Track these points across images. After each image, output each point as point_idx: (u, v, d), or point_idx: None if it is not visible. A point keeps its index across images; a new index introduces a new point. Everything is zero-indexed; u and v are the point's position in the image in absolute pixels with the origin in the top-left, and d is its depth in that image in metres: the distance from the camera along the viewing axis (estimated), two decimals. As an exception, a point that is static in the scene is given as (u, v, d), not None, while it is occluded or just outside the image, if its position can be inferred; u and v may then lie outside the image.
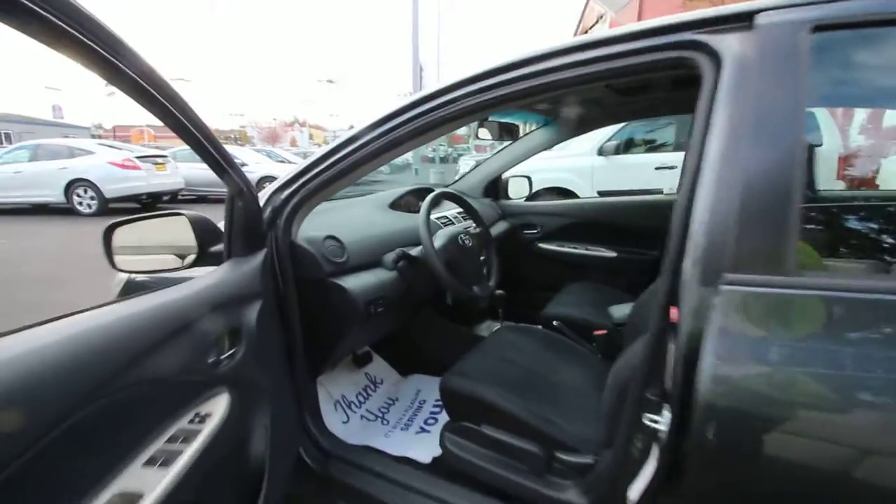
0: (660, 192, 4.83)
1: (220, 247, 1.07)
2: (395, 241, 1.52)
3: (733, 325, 0.69)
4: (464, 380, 1.25)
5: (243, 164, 9.88)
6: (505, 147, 2.35)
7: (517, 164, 2.32)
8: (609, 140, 5.33)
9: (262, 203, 1.17)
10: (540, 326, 1.87)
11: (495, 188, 2.43)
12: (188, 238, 1.05)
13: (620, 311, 1.55)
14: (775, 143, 0.71)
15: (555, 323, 1.68)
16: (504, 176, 2.46)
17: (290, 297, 1.18)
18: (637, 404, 0.88)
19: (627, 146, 5.46)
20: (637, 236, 2.17)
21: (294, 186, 1.19)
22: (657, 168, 5.25)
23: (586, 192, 5.36)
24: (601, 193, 5.27)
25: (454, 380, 1.26)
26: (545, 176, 5.36)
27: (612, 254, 2.21)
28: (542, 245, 2.36)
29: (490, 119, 1.68)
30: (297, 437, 1.23)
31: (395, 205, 1.80)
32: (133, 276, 1.29)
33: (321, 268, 1.24)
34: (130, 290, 1.30)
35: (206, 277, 0.96)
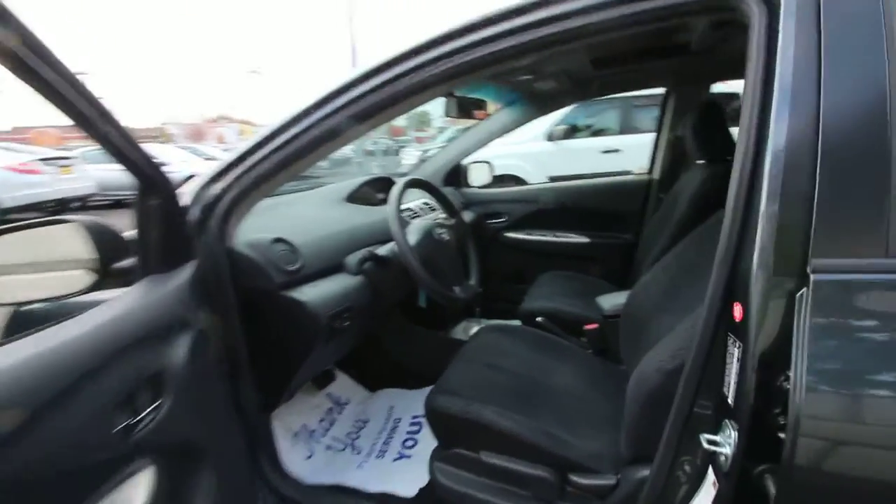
0: (626, 173, 4.87)
1: (130, 262, 0.80)
2: (357, 239, 1.29)
3: (833, 321, 0.55)
4: (453, 398, 1.06)
5: (163, 164, 8.96)
6: (464, 131, 2.17)
7: (479, 148, 2.15)
8: (557, 125, 5.31)
9: (186, 201, 0.90)
10: (519, 322, 1.73)
11: (456, 176, 2.24)
12: (84, 252, 0.78)
13: (611, 301, 1.42)
14: (866, 89, 0.57)
15: (539, 319, 1.52)
16: (464, 162, 2.28)
17: (232, 319, 0.93)
18: (682, 420, 0.73)
19: (574, 131, 5.48)
20: (609, 220, 2.08)
21: (227, 179, 0.93)
22: (604, 152, 5.31)
23: (537, 180, 5.31)
24: (552, 179, 5.25)
25: (442, 399, 1.07)
26: (494, 163, 5.24)
27: (585, 239, 2.10)
28: (510, 234, 2.21)
29: (456, 94, 1.49)
30: (250, 494, 0.98)
31: (353, 197, 1.56)
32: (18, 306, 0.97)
33: (270, 279, 1.00)
34: (20, 325, 0.99)
35: (110, 306, 0.70)
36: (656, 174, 1.96)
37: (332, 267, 1.18)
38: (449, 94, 1.46)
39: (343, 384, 1.63)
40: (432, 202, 1.78)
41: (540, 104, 1.92)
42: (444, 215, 1.55)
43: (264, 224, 1.12)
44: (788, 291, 0.58)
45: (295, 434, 1.38)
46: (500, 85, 1.74)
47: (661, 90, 5.25)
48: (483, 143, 2.11)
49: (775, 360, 0.59)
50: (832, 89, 0.58)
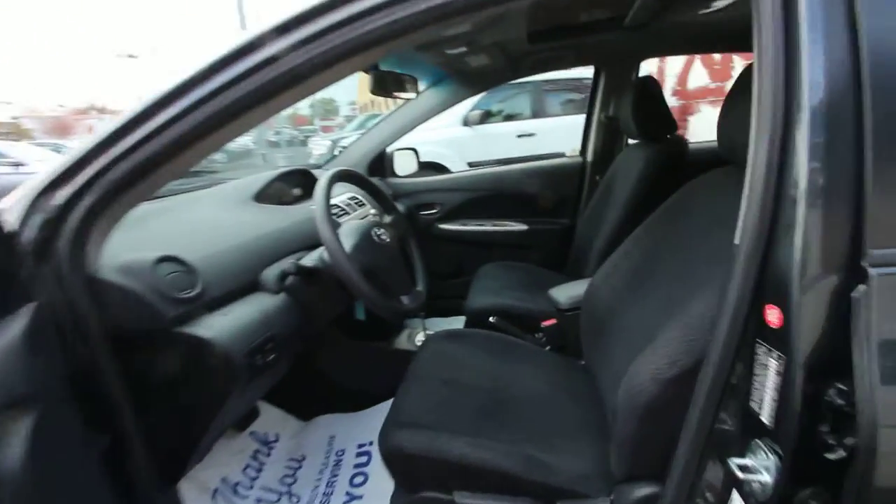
0: (558, 156, 4.90)
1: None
2: (274, 248, 1.05)
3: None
4: (414, 433, 0.88)
5: (18, 164, 7.50)
6: (387, 115, 1.95)
7: (404, 134, 1.95)
8: (473, 109, 5.23)
9: (10, 220, 0.61)
10: (464, 319, 1.59)
11: (380, 165, 2.03)
12: None
13: (566, 294, 1.32)
14: None
15: (492, 319, 1.39)
16: (388, 150, 2.06)
17: (105, 378, 0.66)
18: (702, 439, 0.63)
19: (488, 116, 5.45)
20: (546, 205, 2.00)
21: (78, 182, 0.65)
22: (519, 136, 5.35)
23: (456, 165, 5.21)
24: (471, 164, 5.18)
25: (400, 435, 0.89)
26: (412, 151, 5.06)
27: (523, 227, 2.01)
28: (444, 226, 2.05)
29: (380, 69, 1.27)
30: None
31: (263, 196, 1.29)
32: None
33: (157, 313, 0.74)
34: None
35: None
36: (589, 156, 1.92)
37: (244, 287, 0.93)
38: (373, 69, 1.24)
39: (269, 418, 1.37)
40: (361, 196, 1.55)
41: (470, 83, 1.77)
42: (374, 211, 1.34)
43: (143, 238, 0.84)
44: (840, 290, 0.48)
45: (214, 493, 1.11)
46: (424, 62, 1.55)
47: (569, 74, 5.37)
48: (408, 128, 1.91)
49: (828, 371, 0.49)
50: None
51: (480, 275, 1.80)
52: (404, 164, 2.15)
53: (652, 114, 1.43)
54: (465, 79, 1.74)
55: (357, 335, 1.45)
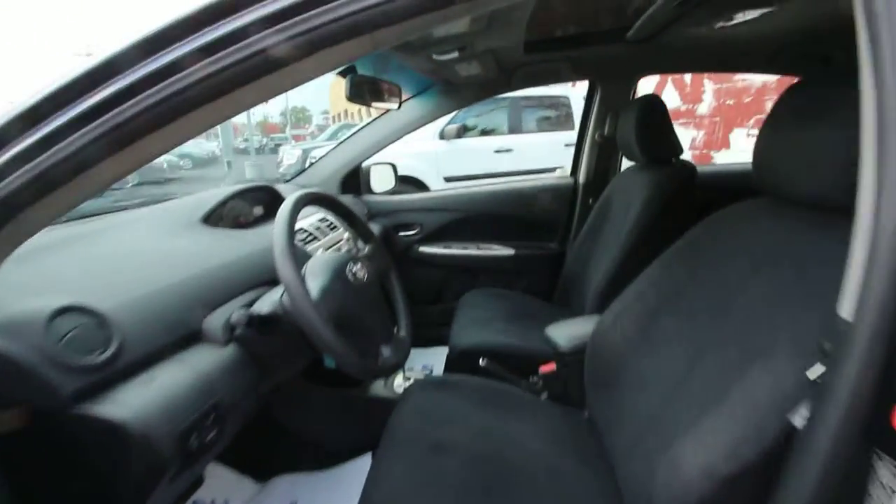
0: (541, 172, 4.74)
1: None
2: (224, 287, 0.85)
3: None
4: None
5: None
6: (363, 126, 1.77)
7: (382, 148, 1.77)
8: (450, 123, 5.12)
9: None
10: (445, 350, 1.41)
11: (355, 180, 1.84)
12: None
13: (566, 334, 1.17)
14: None
15: (482, 362, 1.22)
16: (364, 164, 1.89)
17: None
18: None
19: (465, 130, 5.34)
20: (535, 228, 1.86)
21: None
22: (497, 151, 5.26)
23: (432, 180, 5.07)
24: (447, 179, 5.05)
25: None
26: (387, 164, 4.88)
27: (510, 251, 1.86)
28: (425, 248, 1.88)
29: (358, 74, 1.09)
30: None
31: (215, 217, 1.08)
32: None
33: (50, 388, 0.54)
34: None
35: None
36: (582, 177, 1.79)
37: (179, 340, 0.72)
38: (350, 73, 1.07)
39: (217, 481, 1.15)
40: (332, 218, 1.36)
41: (458, 94, 1.61)
42: (348, 236, 1.15)
43: (39, 279, 0.63)
44: None
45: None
46: (408, 69, 1.39)
47: (546, 91, 5.33)
48: (387, 141, 1.74)
49: None
50: None
51: (465, 303, 1.64)
52: (381, 180, 1.97)
53: (657, 135, 1.31)
54: (452, 89, 1.59)
55: (324, 380, 1.25)
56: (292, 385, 1.22)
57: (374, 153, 1.75)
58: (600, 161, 1.74)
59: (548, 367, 1.16)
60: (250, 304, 0.82)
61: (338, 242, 1.26)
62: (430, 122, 1.68)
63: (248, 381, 0.80)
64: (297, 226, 1.21)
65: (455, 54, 1.10)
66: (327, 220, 1.34)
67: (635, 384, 0.89)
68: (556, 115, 5.68)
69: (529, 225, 1.86)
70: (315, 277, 0.80)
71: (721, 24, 1.09)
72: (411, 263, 1.89)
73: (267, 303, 0.80)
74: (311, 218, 1.30)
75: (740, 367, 0.63)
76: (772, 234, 0.73)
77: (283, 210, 0.77)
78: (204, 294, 0.79)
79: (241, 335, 0.78)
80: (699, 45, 1.34)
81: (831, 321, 0.46)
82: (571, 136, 5.08)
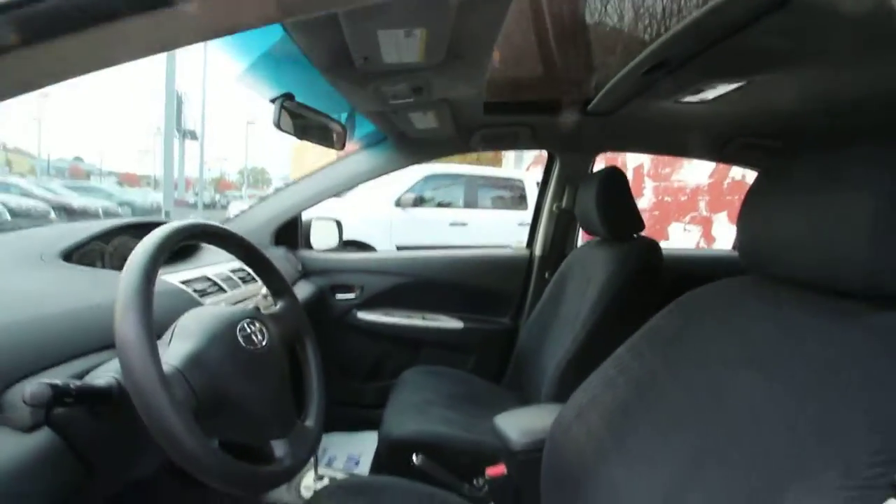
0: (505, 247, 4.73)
1: None
2: (51, 344, 0.60)
3: None
4: None
5: None
6: (308, 175, 1.62)
7: (324, 199, 1.61)
8: (407, 192, 5.12)
9: None
10: (375, 435, 1.15)
11: (292, 233, 1.65)
12: None
13: (519, 426, 0.97)
14: None
15: (416, 459, 0.98)
16: (305, 217, 1.71)
17: None
18: None
19: (422, 201, 5.36)
20: (487, 300, 1.71)
21: None
22: (452, 224, 5.26)
23: (384, 247, 4.93)
24: (399, 248, 4.92)
25: None
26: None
27: (458, 324, 1.68)
28: (363, 315, 1.66)
29: (295, 101, 0.94)
30: None
31: (80, 254, 0.84)
32: None
33: None
34: None
35: None
36: (538, 250, 1.69)
37: None
38: (285, 98, 0.92)
39: None
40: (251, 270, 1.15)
41: (414, 150, 1.51)
42: (266, 292, 0.94)
43: None
44: None
45: None
46: (360, 113, 1.28)
47: (502, 173, 5.58)
48: (332, 192, 1.58)
49: None
50: None
51: (403, 381, 1.41)
52: (323, 237, 1.79)
53: (619, 209, 1.24)
54: (407, 144, 1.49)
55: (194, 482, 0.95)
56: (150, 487, 0.91)
57: (316, 203, 1.58)
58: (557, 234, 1.65)
59: (496, 470, 0.94)
60: (85, 372, 0.58)
61: (249, 298, 1.04)
62: (381, 175, 1.55)
63: (63, 487, 0.54)
64: (200, 273, 0.98)
65: (410, 98, 1.00)
66: (244, 272, 1.12)
67: (606, 499, 0.70)
68: (510, 196, 5.87)
69: (481, 297, 1.70)
70: (185, 338, 0.57)
71: (684, 98, 1.07)
72: (347, 331, 1.66)
73: (107, 370, 0.56)
74: (221, 266, 1.07)
75: (761, 496, 0.46)
76: (768, 321, 0.61)
77: (149, 238, 0.56)
78: (12, 352, 0.54)
79: (60, 416, 0.53)
80: (658, 125, 1.33)
81: None
82: (525, 215, 5.21)
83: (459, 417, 1.22)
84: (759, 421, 0.54)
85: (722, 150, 1.47)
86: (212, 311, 0.64)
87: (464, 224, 5.29)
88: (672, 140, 1.46)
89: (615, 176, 1.24)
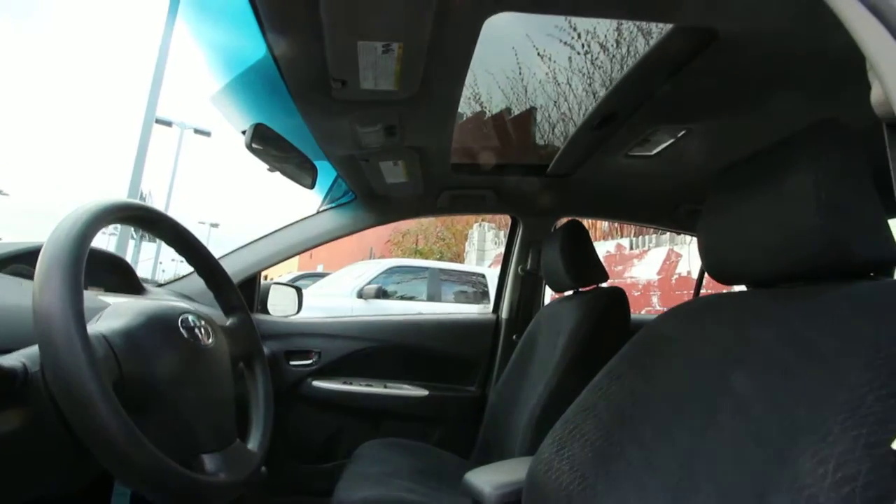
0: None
1: None
2: None
3: None
4: None
5: None
6: (270, 233, 1.59)
7: (287, 257, 1.57)
8: (369, 283, 5.09)
9: None
10: None
11: (248, 295, 1.56)
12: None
13: (491, 480, 0.86)
14: None
15: (374, 525, 0.83)
16: (264, 282, 1.64)
17: None
18: None
19: (385, 293, 5.32)
20: (453, 367, 1.62)
21: None
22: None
23: (343, 338, 4.72)
24: (360, 339, 4.73)
25: None
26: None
27: (423, 392, 1.56)
28: (319, 383, 1.53)
29: (266, 126, 0.94)
30: None
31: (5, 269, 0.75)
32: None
33: None
34: None
35: None
36: (504, 313, 1.67)
37: None
38: (256, 124, 0.93)
39: None
40: (197, 306, 1.05)
41: (380, 209, 1.53)
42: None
43: None
44: None
45: None
46: (333, 171, 1.32)
47: (464, 268, 5.72)
48: (294, 250, 1.55)
49: None
50: None
51: (359, 456, 1.26)
52: (281, 304, 1.70)
53: (583, 259, 1.27)
54: (374, 203, 1.51)
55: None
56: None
57: (277, 262, 1.53)
58: (523, 295, 1.65)
59: (468, 530, 0.81)
60: None
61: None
62: (347, 234, 1.54)
63: None
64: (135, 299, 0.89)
65: (383, 139, 1.04)
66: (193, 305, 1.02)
67: None
68: (472, 292, 5.94)
69: (447, 363, 1.62)
70: (116, 316, 0.50)
71: (633, 150, 1.17)
72: (300, 402, 1.50)
73: (21, 355, 0.47)
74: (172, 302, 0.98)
75: (766, 478, 0.42)
76: (745, 321, 0.60)
77: (86, 204, 0.50)
78: None
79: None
80: (612, 186, 1.43)
81: None
82: (487, 309, 5.22)
83: (423, 489, 1.07)
84: (751, 413, 0.51)
85: (672, 215, 1.58)
86: (150, 301, 0.57)
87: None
88: (627, 202, 1.56)
89: (576, 228, 1.29)
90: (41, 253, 0.45)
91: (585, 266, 1.26)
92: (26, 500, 0.49)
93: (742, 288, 0.69)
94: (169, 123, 12.03)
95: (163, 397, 0.49)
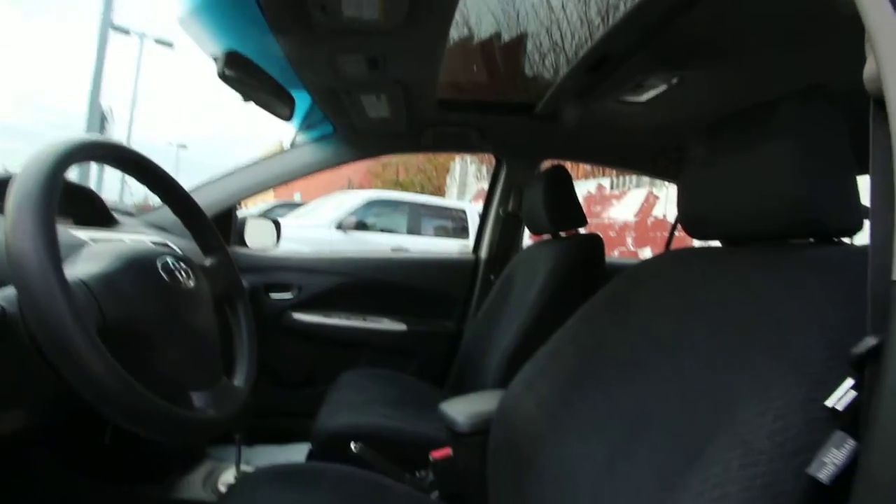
0: None
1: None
2: None
3: None
4: None
5: None
6: (247, 165, 1.53)
7: (264, 189, 1.53)
8: (349, 215, 5.04)
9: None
10: (308, 448, 1.05)
11: (224, 227, 1.53)
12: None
13: (465, 410, 0.92)
14: None
15: (354, 447, 0.90)
16: (241, 213, 1.61)
17: None
18: None
19: (365, 225, 5.29)
20: (431, 303, 1.67)
21: None
22: (393, 249, 5.21)
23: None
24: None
25: None
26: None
27: (401, 326, 1.62)
28: (299, 315, 1.56)
29: (238, 54, 0.88)
30: None
31: None
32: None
33: None
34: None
35: None
36: (484, 253, 1.70)
37: None
38: (227, 51, 0.86)
39: None
40: (173, 242, 1.04)
41: (360, 145, 1.48)
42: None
43: None
44: None
45: None
46: (309, 99, 1.25)
47: (445, 203, 5.68)
48: (272, 182, 1.51)
49: None
50: None
51: (339, 385, 1.32)
52: (259, 237, 1.68)
53: (564, 204, 1.28)
54: (355, 138, 1.46)
55: (103, 471, 0.80)
56: (43, 476, 0.75)
57: (253, 195, 1.49)
58: (503, 237, 1.68)
59: (441, 453, 0.88)
60: None
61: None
62: (326, 169, 1.50)
63: None
64: (116, 237, 0.87)
65: (364, 65, 0.98)
66: (169, 247, 1.01)
67: (557, 470, 0.67)
68: (453, 227, 5.96)
69: (425, 300, 1.66)
70: (93, 260, 0.49)
71: (624, 96, 1.14)
72: (280, 333, 1.54)
73: None
74: (143, 237, 0.96)
75: (711, 422, 0.46)
76: (714, 275, 0.63)
77: (59, 140, 0.48)
78: None
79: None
80: (599, 130, 1.41)
81: (886, 299, 0.33)
82: (467, 244, 5.28)
83: (401, 414, 1.15)
84: (707, 362, 0.55)
85: (655, 162, 1.59)
86: (127, 242, 0.56)
87: (406, 251, 5.26)
88: (612, 147, 1.55)
89: (560, 173, 1.28)
90: (10, 196, 0.43)
91: (566, 211, 1.28)
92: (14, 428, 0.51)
93: (715, 244, 0.72)
94: (126, 31, 10.98)
95: (148, 340, 0.50)
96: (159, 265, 0.54)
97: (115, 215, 1.14)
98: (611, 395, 0.67)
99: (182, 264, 0.58)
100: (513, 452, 0.75)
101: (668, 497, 0.45)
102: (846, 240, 0.56)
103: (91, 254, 0.50)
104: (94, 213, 1.02)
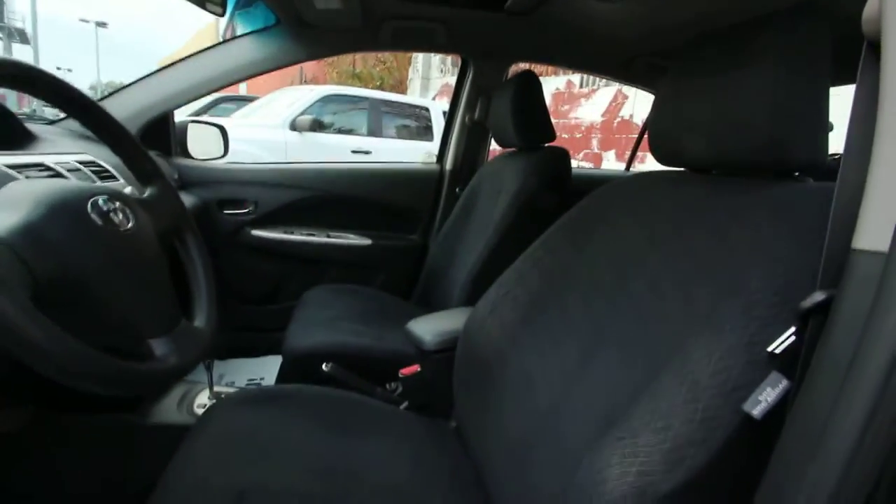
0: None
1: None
2: None
3: None
4: None
5: None
6: (178, 62, 1.34)
7: (202, 95, 1.36)
8: (303, 114, 4.67)
9: None
10: (279, 359, 1.09)
11: (163, 136, 1.38)
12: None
13: (432, 329, 0.96)
14: None
15: (326, 367, 0.93)
16: (180, 119, 1.45)
17: None
18: None
19: (321, 126, 4.94)
20: (395, 216, 1.64)
21: None
22: (354, 151, 4.97)
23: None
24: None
25: None
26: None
27: (365, 241, 1.60)
28: (258, 232, 1.51)
29: None
30: None
31: None
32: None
33: None
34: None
35: None
36: (448, 164, 1.64)
37: None
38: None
39: None
40: (111, 166, 0.93)
41: (312, 41, 1.31)
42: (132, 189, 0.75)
43: None
44: None
45: None
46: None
47: (408, 100, 5.33)
48: (211, 85, 1.33)
49: None
50: None
51: (306, 301, 1.32)
52: (204, 145, 1.53)
53: (532, 116, 1.22)
54: (304, 33, 1.28)
55: (76, 404, 0.80)
56: (17, 410, 0.74)
57: (190, 100, 1.32)
58: (469, 147, 1.61)
59: (410, 370, 0.93)
60: None
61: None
62: (270, 69, 1.33)
63: None
64: (35, 160, 0.77)
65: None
66: (97, 165, 0.90)
67: (517, 384, 0.72)
68: (416, 126, 5.66)
69: (389, 213, 1.63)
70: (10, 208, 0.43)
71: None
72: (238, 250, 1.49)
73: None
74: (66, 156, 0.85)
75: (662, 354, 0.49)
76: (675, 205, 0.63)
77: None
78: None
79: None
80: (571, 31, 1.30)
81: (841, 258, 0.34)
82: (431, 146, 5.09)
83: (370, 330, 1.18)
84: (661, 293, 0.57)
85: (628, 68, 1.51)
86: (48, 182, 0.49)
87: (367, 153, 5.03)
88: (583, 50, 1.45)
89: (530, 80, 1.20)
90: None
91: (534, 124, 1.22)
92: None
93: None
94: None
95: (91, 294, 0.45)
96: (90, 208, 0.48)
97: (30, 127, 1.00)
98: (570, 316, 0.70)
99: (117, 203, 0.52)
100: (477, 369, 0.80)
101: (615, 421, 0.49)
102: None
103: (6, 200, 0.44)
104: (5, 129, 0.88)
